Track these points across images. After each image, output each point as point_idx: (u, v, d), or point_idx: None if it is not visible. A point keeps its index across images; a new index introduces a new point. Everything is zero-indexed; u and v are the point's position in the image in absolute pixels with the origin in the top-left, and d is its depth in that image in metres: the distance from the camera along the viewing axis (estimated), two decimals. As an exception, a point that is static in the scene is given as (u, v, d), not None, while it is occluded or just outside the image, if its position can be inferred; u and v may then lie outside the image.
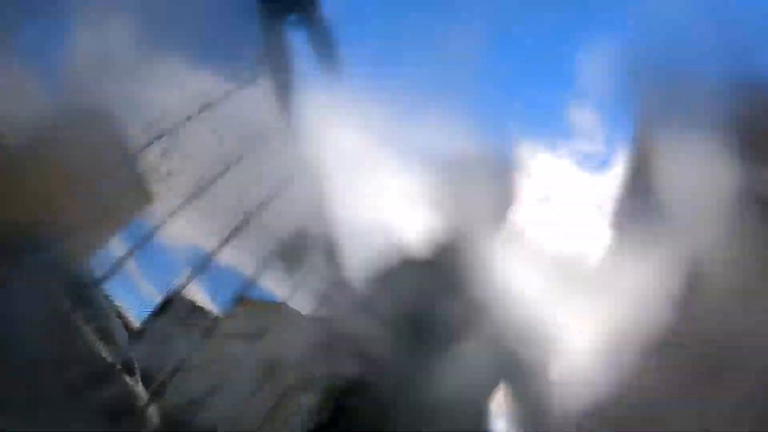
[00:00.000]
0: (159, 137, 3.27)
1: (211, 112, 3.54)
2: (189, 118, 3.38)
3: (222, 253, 3.95)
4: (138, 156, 3.29)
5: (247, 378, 5.07)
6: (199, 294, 4.06)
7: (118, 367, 3.87)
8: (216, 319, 4.31)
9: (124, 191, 3.42)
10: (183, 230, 3.59)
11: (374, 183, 4.58)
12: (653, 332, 4.23)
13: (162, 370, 4.36)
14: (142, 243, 3.35)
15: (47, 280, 3.13)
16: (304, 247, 5.15)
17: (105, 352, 3.71)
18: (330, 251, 5.62)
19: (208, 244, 3.86)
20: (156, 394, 4.33)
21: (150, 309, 3.81)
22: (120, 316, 3.99)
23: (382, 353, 4.22)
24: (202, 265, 3.85)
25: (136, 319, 3.94)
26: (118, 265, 3.31)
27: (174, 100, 3.28)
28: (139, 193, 3.50)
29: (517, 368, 4.56)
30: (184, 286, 3.80)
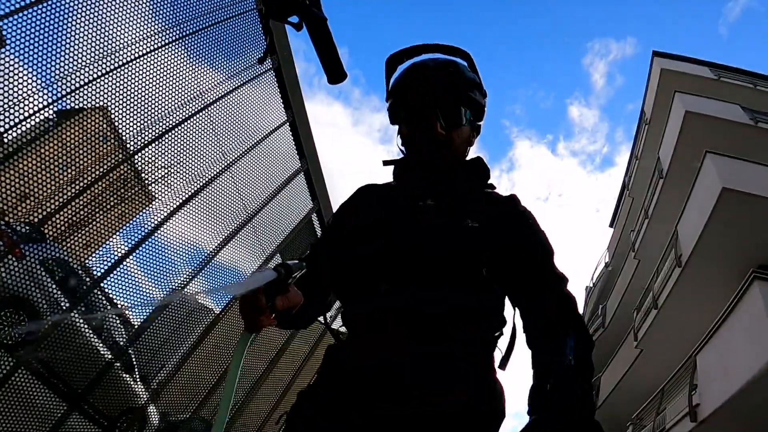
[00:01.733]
0: (161, 135, 3.26)
1: (211, 111, 3.53)
2: (190, 116, 3.38)
3: (222, 251, 3.94)
4: (138, 154, 3.29)
5: (247, 377, 5.08)
6: (199, 292, 4.06)
7: (118, 366, 3.87)
8: (216, 317, 4.31)
9: (123, 189, 3.41)
10: (183, 228, 3.59)
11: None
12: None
13: (161, 369, 4.37)
14: (143, 241, 3.34)
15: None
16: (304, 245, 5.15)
17: (105, 351, 3.72)
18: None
19: (208, 242, 3.85)
20: (155, 394, 4.33)
21: (150, 308, 3.80)
22: (120, 314, 4.00)
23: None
24: (202, 263, 3.84)
25: (136, 318, 3.95)
26: (118, 263, 3.30)
27: (174, 97, 3.28)
28: (139, 191, 3.50)
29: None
30: (184, 285, 3.79)
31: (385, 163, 1.19)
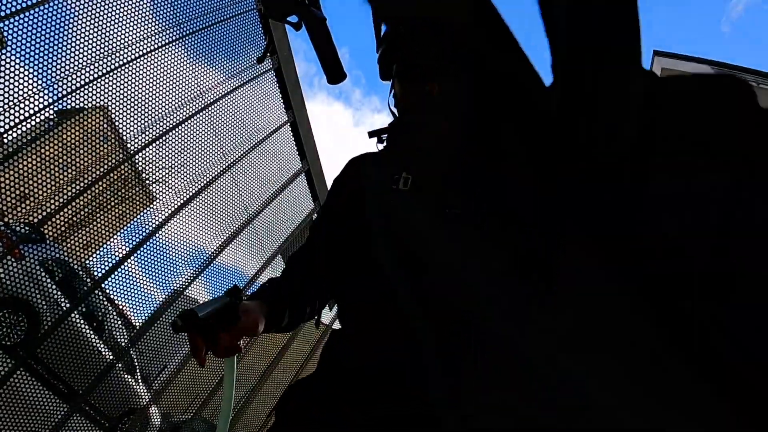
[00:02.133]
0: (161, 135, 3.26)
1: (212, 111, 3.53)
2: (190, 116, 3.38)
3: (223, 252, 3.94)
4: (139, 154, 3.29)
5: (248, 377, 5.08)
6: (200, 294, 4.05)
7: (119, 366, 3.87)
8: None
9: (124, 189, 3.41)
10: (184, 229, 3.59)
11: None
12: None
13: (163, 370, 4.37)
14: (143, 242, 3.34)
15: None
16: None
17: (105, 352, 3.71)
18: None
19: (209, 243, 3.85)
20: (157, 395, 4.33)
21: (151, 309, 3.80)
22: (121, 315, 3.99)
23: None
24: (204, 264, 3.84)
25: (136, 319, 3.94)
26: (119, 264, 3.30)
27: (174, 97, 3.28)
28: (140, 191, 3.49)
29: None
30: (185, 286, 3.79)
31: (371, 134, 1.04)
